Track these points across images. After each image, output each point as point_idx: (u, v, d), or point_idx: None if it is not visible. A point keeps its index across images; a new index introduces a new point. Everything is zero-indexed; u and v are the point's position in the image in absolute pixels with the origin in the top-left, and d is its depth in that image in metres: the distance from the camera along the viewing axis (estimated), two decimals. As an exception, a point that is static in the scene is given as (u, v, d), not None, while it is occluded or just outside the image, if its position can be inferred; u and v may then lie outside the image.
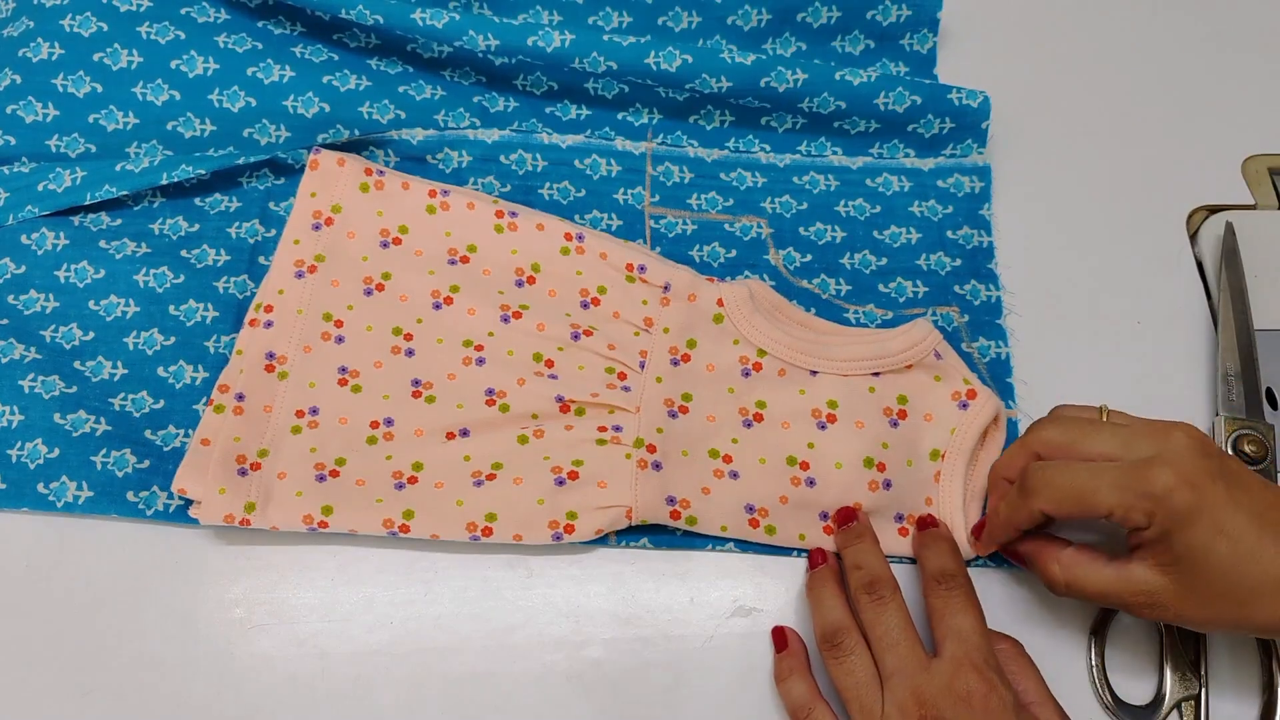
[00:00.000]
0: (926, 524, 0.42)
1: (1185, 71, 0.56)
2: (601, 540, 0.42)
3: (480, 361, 0.44)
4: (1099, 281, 0.49)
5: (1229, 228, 0.49)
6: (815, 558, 0.42)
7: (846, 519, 0.42)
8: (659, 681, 0.40)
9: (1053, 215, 0.51)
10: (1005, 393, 0.46)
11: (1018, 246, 0.50)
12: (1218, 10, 0.58)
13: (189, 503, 0.41)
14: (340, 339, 0.45)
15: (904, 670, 0.36)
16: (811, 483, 0.42)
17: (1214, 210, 0.52)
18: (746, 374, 0.45)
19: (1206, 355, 0.48)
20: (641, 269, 0.46)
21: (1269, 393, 0.46)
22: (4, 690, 0.39)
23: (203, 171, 0.47)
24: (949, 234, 0.50)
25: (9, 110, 0.48)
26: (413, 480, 0.42)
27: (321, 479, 0.41)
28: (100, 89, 0.49)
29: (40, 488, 0.41)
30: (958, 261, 0.49)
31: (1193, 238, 0.51)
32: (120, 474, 0.42)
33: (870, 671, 0.37)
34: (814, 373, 0.44)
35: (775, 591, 0.42)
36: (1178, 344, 0.48)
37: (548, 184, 0.50)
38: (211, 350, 0.45)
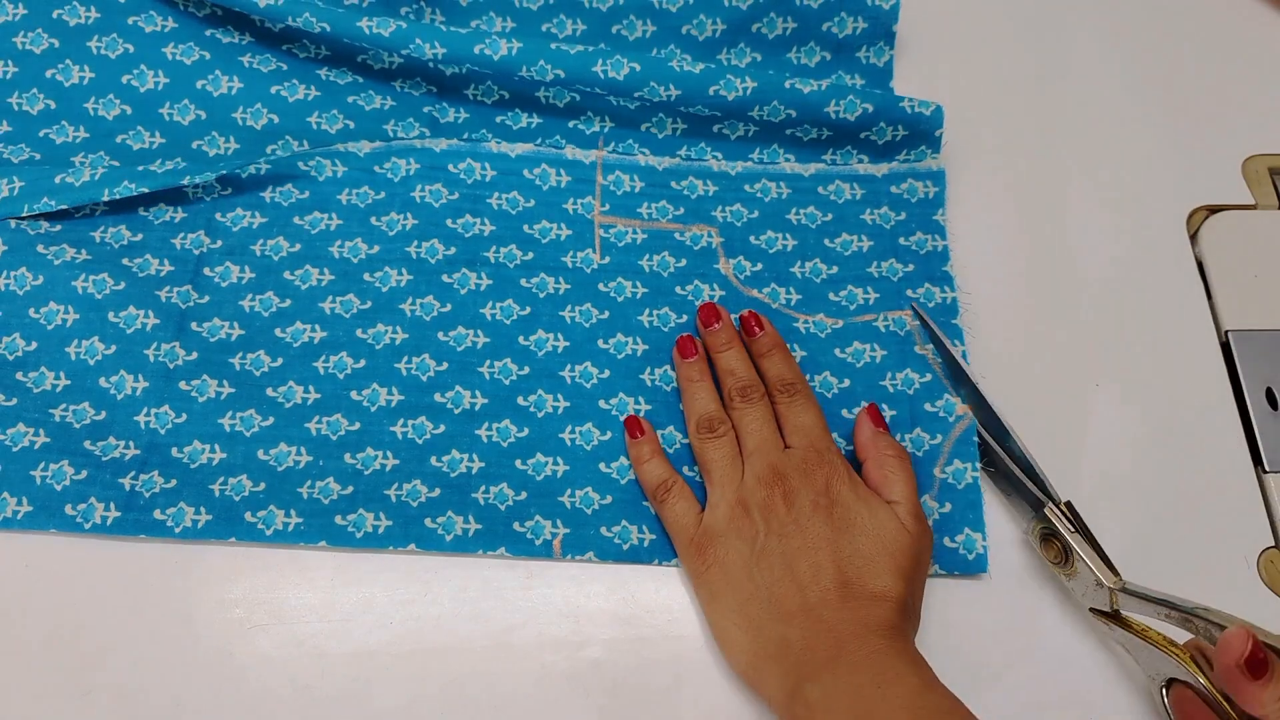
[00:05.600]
0: (753, 329, 0.45)
1: (1185, 71, 0.56)
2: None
3: None
4: (1098, 281, 0.49)
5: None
6: (687, 347, 0.45)
7: (712, 319, 0.46)
8: (659, 681, 0.40)
9: (1053, 215, 0.51)
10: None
11: (1017, 247, 0.50)
12: (1219, 10, 0.57)
13: (127, 515, 0.41)
14: None
15: (762, 449, 0.42)
16: None
17: (1214, 210, 0.52)
18: None
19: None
20: None
21: (1269, 392, 0.46)
22: (4, 690, 0.39)
23: (145, 189, 0.46)
24: (901, 240, 0.49)
25: None
26: None
27: None
28: (54, 105, 0.49)
29: None
30: (910, 267, 0.49)
31: (1193, 238, 0.51)
32: (58, 487, 0.42)
33: (735, 450, 0.42)
34: None
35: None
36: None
37: (496, 194, 0.50)
38: (151, 359, 0.44)
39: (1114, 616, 0.39)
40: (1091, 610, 0.40)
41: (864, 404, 0.45)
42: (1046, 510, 0.41)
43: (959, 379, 0.45)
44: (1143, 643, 0.38)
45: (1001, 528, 0.44)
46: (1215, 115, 0.54)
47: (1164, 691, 0.39)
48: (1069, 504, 0.41)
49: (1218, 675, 0.34)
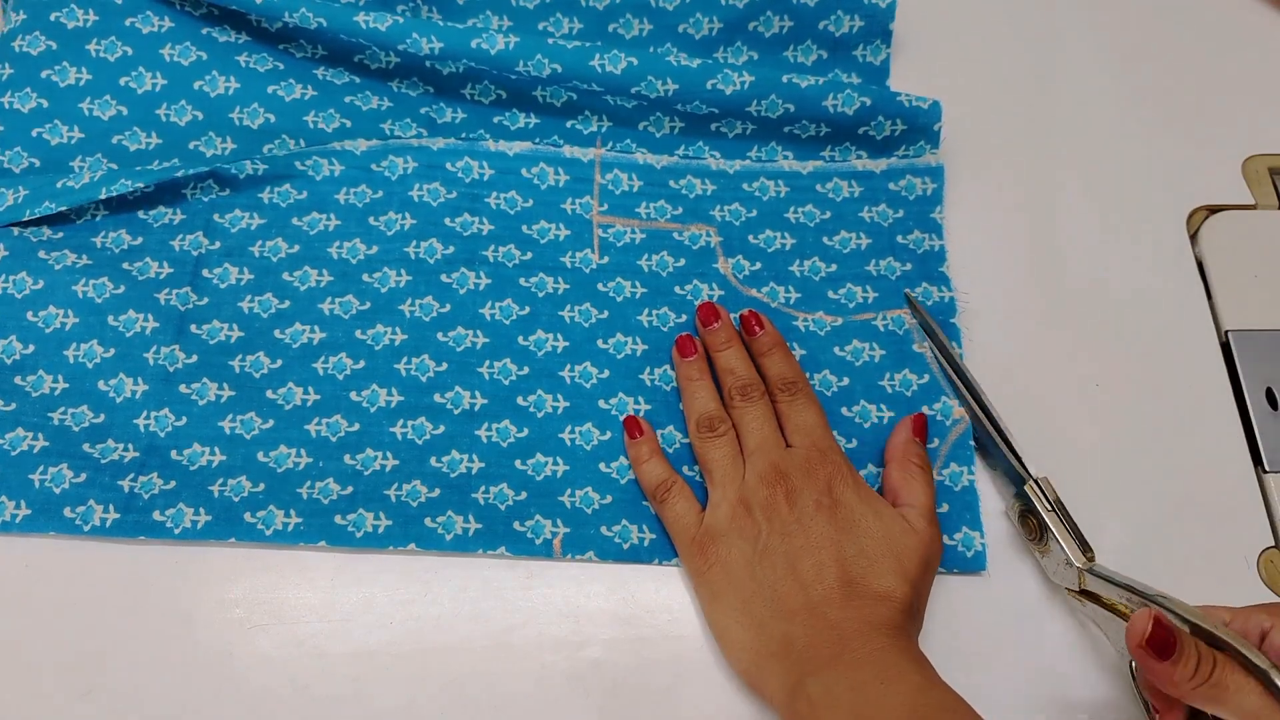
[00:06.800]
0: (753, 328, 0.45)
1: (1185, 71, 0.55)
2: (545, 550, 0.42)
3: None
4: (1098, 281, 0.49)
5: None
6: (686, 346, 0.45)
7: (711, 318, 0.46)
8: (659, 681, 0.40)
9: (1052, 215, 0.51)
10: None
11: (1016, 247, 0.50)
12: (1219, 10, 0.57)
13: (126, 517, 0.41)
14: None
15: (764, 448, 0.42)
16: None
17: (1214, 210, 0.52)
18: None
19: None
20: None
21: (1269, 392, 0.46)
22: (4, 690, 0.39)
23: (142, 184, 0.46)
24: (899, 239, 0.49)
25: None
26: None
27: None
28: (46, 104, 0.49)
29: None
30: (908, 266, 0.49)
31: (1193, 238, 0.51)
32: (57, 490, 0.41)
33: (736, 449, 0.43)
34: None
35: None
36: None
37: (494, 193, 0.50)
38: (151, 362, 0.44)
39: (1085, 593, 0.40)
40: (1066, 588, 0.41)
41: (911, 414, 0.45)
42: (1026, 487, 0.41)
43: (946, 360, 0.46)
44: (1112, 616, 0.39)
45: (1000, 526, 0.44)
46: (1215, 115, 0.54)
47: (1133, 665, 0.39)
48: (1046, 480, 0.41)
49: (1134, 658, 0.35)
